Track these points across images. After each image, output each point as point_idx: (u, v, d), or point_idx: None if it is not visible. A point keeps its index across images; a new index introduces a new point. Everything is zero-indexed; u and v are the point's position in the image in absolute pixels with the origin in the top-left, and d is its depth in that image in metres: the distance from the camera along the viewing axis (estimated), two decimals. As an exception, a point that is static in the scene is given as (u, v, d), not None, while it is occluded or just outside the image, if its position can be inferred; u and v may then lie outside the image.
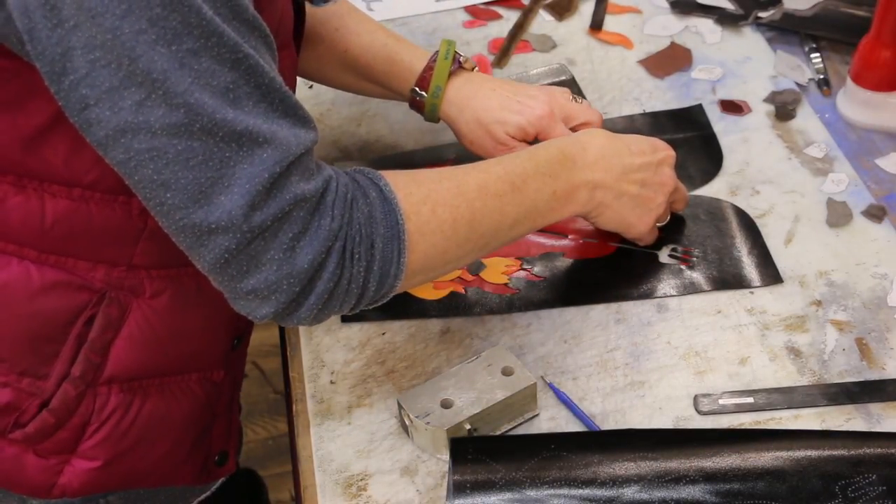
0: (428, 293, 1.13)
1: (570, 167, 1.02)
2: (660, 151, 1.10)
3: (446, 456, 0.96)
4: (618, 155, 1.06)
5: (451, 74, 1.17)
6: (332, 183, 0.87)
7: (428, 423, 0.96)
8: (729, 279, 1.12)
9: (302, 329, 1.11)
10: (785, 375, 1.03)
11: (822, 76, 1.36)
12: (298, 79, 1.14)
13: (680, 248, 1.16)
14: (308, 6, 1.08)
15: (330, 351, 1.09)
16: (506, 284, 1.14)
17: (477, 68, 1.20)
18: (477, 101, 1.16)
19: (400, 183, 0.92)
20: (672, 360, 1.05)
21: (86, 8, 0.75)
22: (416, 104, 1.19)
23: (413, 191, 0.92)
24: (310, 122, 0.86)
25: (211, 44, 0.78)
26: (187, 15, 0.77)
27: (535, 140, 1.15)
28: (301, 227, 0.84)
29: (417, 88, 1.18)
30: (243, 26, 0.81)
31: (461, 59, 1.18)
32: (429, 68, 1.17)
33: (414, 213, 0.91)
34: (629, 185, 1.07)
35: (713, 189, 1.23)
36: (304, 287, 0.86)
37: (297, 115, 0.85)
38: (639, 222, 1.10)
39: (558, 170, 1.01)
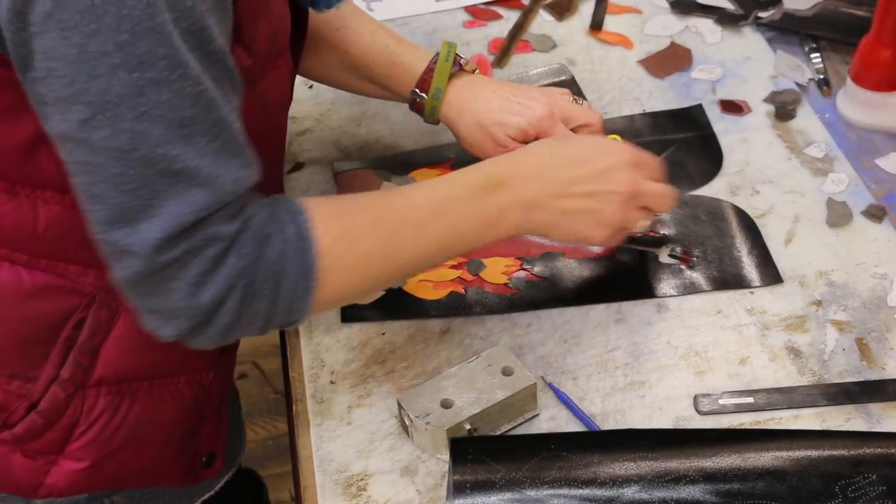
0: (428, 293, 1.13)
1: (499, 190, 0.97)
2: (610, 156, 1.01)
3: (446, 456, 0.96)
4: (557, 169, 1.00)
5: (451, 77, 1.16)
6: (250, 222, 0.87)
7: (428, 423, 0.96)
8: (729, 279, 1.12)
9: (302, 329, 1.11)
10: (785, 375, 1.03)
11: (822, 76, 1.36)
12: (299, 78, 1.14)
13: (680, 248, 1.16)
14: (311, 10, 1.08)
15: (330, 351, 1.09)
16: (506, 284, 1.14)
17: (478, 70, 1.20)
18: (477, 103, 1.15)
19: (321, 216, 0.90)
20: (672, 360, 1.05)
21: (56, 19, 0.76)
22: (417, 106, 1.19)
23: (332, 225, 0.90)
24: (254, 163, 0.87)
25: (175, 77, 0.79)
26: (155, 44, 0.77)
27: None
28: (209, 265, 0.84)
29: (418, 90, 1.18)
30: (207, 58, 0.81)
31: (462, 61, 1.18)
32: (429, 70, 1.17)
33: (329, 250, 0.89)
34: (572, 199, 1.00)
35: (713, 189, 1.23)
36: (206, 319, 0.86)
37: (245, 155, 0.86)
38: (590, 236, 1.02)
39: (485, 194, 0.97)
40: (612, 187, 1.00)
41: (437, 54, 1.17)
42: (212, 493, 1.14)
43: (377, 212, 0.94)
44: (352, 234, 0.91)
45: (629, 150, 1.04)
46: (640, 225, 1.05)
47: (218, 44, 0.82)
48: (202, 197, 0.82)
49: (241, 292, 0.86)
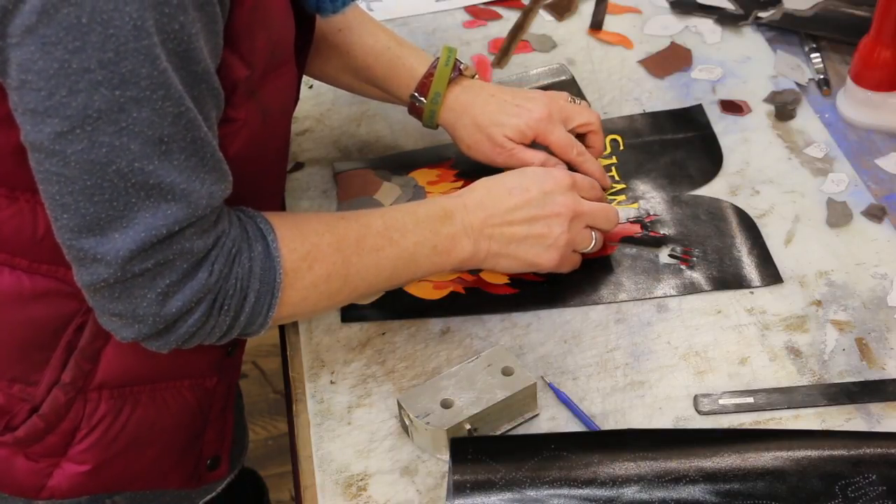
0: (428, 293, 1.13)
1: (450, 222, 1.02)
2: (547, 182, 1.06)
3: (446, 456, 0.96)
4: (497, 201, 1.04)
5: (450, 81, 1.17)
6: (222, 238, 0.89)
7: (428, 423, 0.96)
8: (729, 279, 1.12)
9: (302, 329, 1.11)
10: (785, 375, 1.03)
11: (822, 76, 1.36)
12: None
13: (680, 248, 1.16)
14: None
15: (330, 351, 1.09)
16: (506, 284, 1.14)
17: (477, 76, 1.20)
18: (475, 106, 1.16)
19: (286, 236, 0.93)
20: (672, 360, 1.05)
21: (38, 34, 0.76)
22: (416, 110, 1.19)
23: (296, 246, 0.93)
24: (228, 176, 0.88)
25: (157, 96, 0.79)
26: (140, 64, 0.78)
27: (533, 142, 1.16)
28: (179, 276, 0.86)
29: (417, 94, 1.18)
30: (192, 77, 0.82)
31: (462, 66, 1.18)
32: (429, 74, 1.17)
33: (292, 270, 0.93)
34: (516, 227, 1.04)
35: (713, 189, 1.23)
36: (168, 326, 0.88)
37: (221, 171, 0.87)
38: (541, 261, 1.06)
39: (438, 225, 1.02)
40: (553, 210, 1.05)
41: (437, 59, 1.17)
42: (213, 494, 1.14)
43: (338, 234, 0.97)
44: (314, 254, 0.94)
45: (565, 173, 1.09)
46: (591, 245, 1.09)
47: (204, 64, 0.83)
48: (176, 211, 0.83)
49: (208, 306, 0.88)
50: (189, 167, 0.83)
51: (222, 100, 0.88)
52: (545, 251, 1.06)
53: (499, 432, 1.00)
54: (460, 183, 1.23)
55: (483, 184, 1.07)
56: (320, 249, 0.95)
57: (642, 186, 1.24)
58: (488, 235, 1.03)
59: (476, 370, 1.00)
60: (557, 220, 1.05)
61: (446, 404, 0.98)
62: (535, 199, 1.05)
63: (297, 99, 1.07)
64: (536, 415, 1.01)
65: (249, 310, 0.91)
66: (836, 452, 0.89)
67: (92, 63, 0.77)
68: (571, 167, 1.15)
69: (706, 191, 1.23)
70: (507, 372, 1.00)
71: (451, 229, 1.02)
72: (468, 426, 0.97)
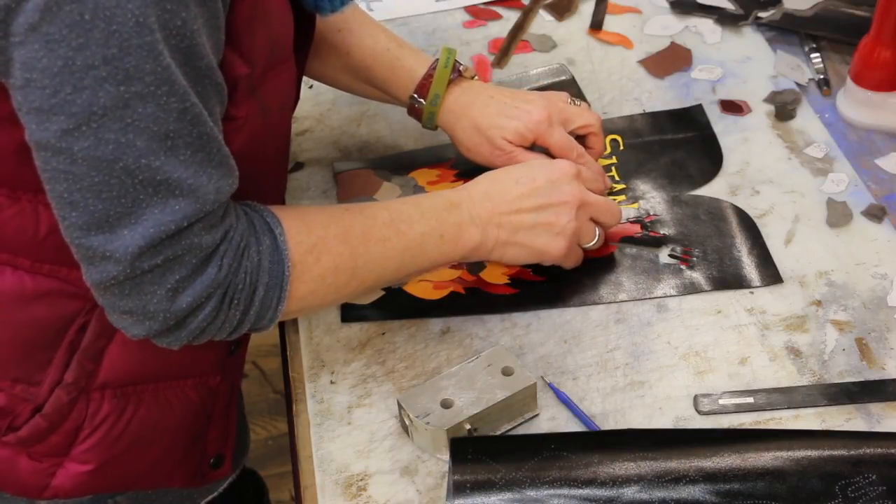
0: (428, 293, 1.13)
1: (456, 211, 1.02)
2: (553, 171, 1.07)
3: (446, 456, 0.96)
4: (503, 190, 1.04)
5: (450, 83, 1.17)
6: (230, 232, 0.89)
7: (428, 423, 0.97)
8: (729, 279, 1.12)
9: (302, 329, 1.11)
10: (785, 375, 1.03)
11: (822, 76, 1.36)
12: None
13: (680, 248, 1.16)
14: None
15: (330, 351, 1.09)
16: (506, 284, 1.14)
17: (477, 77, 1.20)
18: (474, 108, 1.16)
19: (293, 229, 0.93)
20: (672, 360, 1.05)
21: (42, 32, 0.76)
22: (415, 111, 1.19)
23: (303, 239, 0.93)
24: (235, 172, 0.88)
25: (161, 92, 0.80)
26: (143, 59, 0.78)
27: (533, 145, 1.16)
28: (188, 272, 0.86)
29: (416, 95, 1.18)
30: (195, 73, 0.82)
31: (461, 67, 1.18)
32: (428, 76, 1.17)
33: (300, 262, 0.93)
34: (523, 215, 1.04)
35: (713, 189, 1.23)
36: (179, 322, 0.88)
37: (228, 165, 0.87)
38: (549, 249, 1.06)
39: (444, 215, 1.02)
40: (560, 198, 1.06)
41: (437, 60, 1.17)
42: (215, 494, 1.14)
43: (343, 226, 0.97)
44: (320, 246, 0.94)
45: (569, 164, 1.09)
46: (594, 240, 1.10)
47: (207, 59, 0.83)
48: (184, 206, 0.83)
49: (218, 300, 0.88)
50: (196, 162, 0.83)
51: (226, 95, 0.88)
52: (553, 239, 1.06)
53: (499, 432, 1.00)
54: (460, 183, 1.23)
55: (487, 176, 1.07)
56: (327, 242, 0.95)
57: (642, 186, 1.24)
58: (496, 224, 1.03)
59: (476, 370, 1.00)
60: (565, 208, 1.06)
61: (446, 404, 0.98)
62: (541, 188, 1.05)
63: (297, 98, 1.07)
64: (536, 415, 1.01)
65: (259, 303, 0.91)
66: (836, 452, 0.89)
67: (96, 59, 0.77)
68: None
69: (706, 191, 1.23)
70: (507, 372, 1.00)
71: (457, 218, 1.02)
72: (468, 426, 0.97)
